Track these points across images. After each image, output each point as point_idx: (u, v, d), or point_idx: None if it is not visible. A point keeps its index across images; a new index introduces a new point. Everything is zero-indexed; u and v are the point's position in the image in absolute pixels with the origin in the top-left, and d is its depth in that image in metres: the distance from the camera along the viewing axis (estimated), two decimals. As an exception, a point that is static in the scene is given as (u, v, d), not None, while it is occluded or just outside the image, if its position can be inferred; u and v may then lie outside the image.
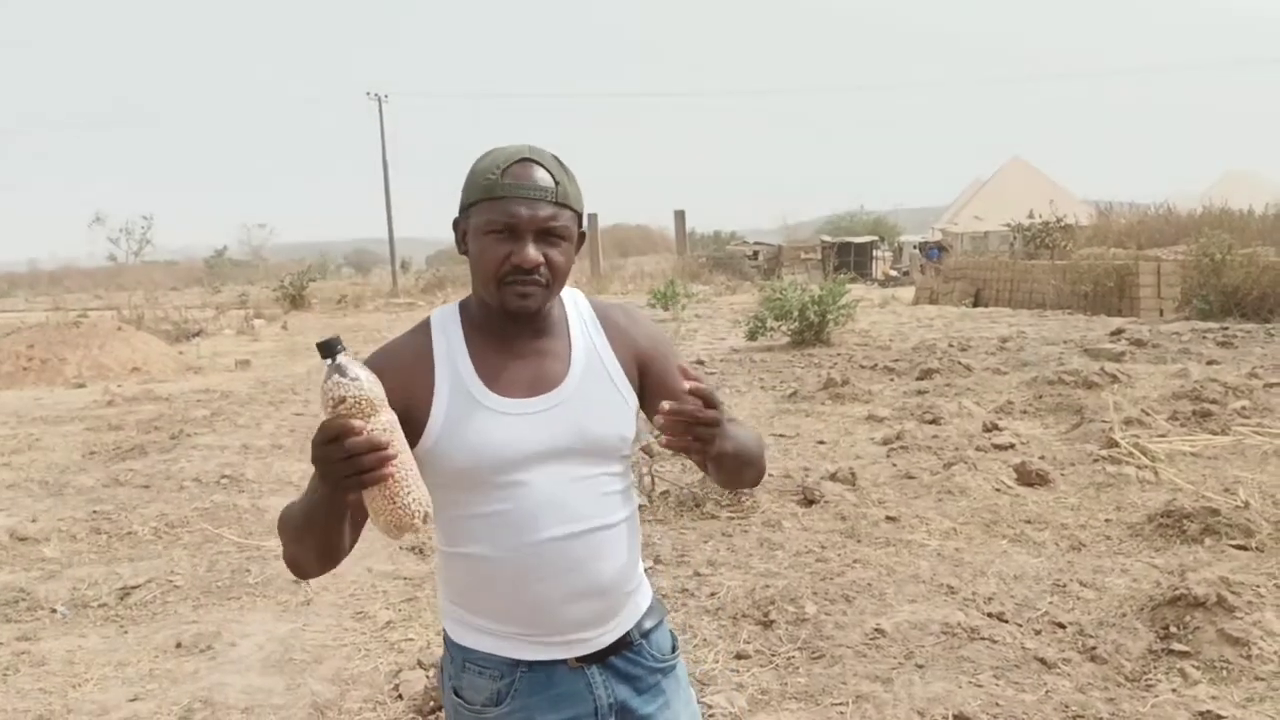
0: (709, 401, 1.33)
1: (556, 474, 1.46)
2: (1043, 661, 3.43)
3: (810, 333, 13.52)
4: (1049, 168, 50.82)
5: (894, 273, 33.41)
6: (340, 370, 1.19)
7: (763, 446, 1.62)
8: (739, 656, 3.60)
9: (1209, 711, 3.03)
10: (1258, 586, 3.83)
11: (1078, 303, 18.94)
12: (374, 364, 1.49)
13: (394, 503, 1.22)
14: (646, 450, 6.00)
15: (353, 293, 31.57)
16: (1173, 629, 3.52)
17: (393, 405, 1.43)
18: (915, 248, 36.37)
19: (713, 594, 4.20)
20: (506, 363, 1.49)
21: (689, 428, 1.32)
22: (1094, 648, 3.52)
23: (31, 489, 6.62)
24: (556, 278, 1.46)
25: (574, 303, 1.59)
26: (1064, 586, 4.15)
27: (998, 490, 5.65)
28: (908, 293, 24.73)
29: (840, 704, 3.20)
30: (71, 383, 12.61)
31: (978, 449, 6.56)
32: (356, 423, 1.18)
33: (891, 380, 10.13)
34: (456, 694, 1.53)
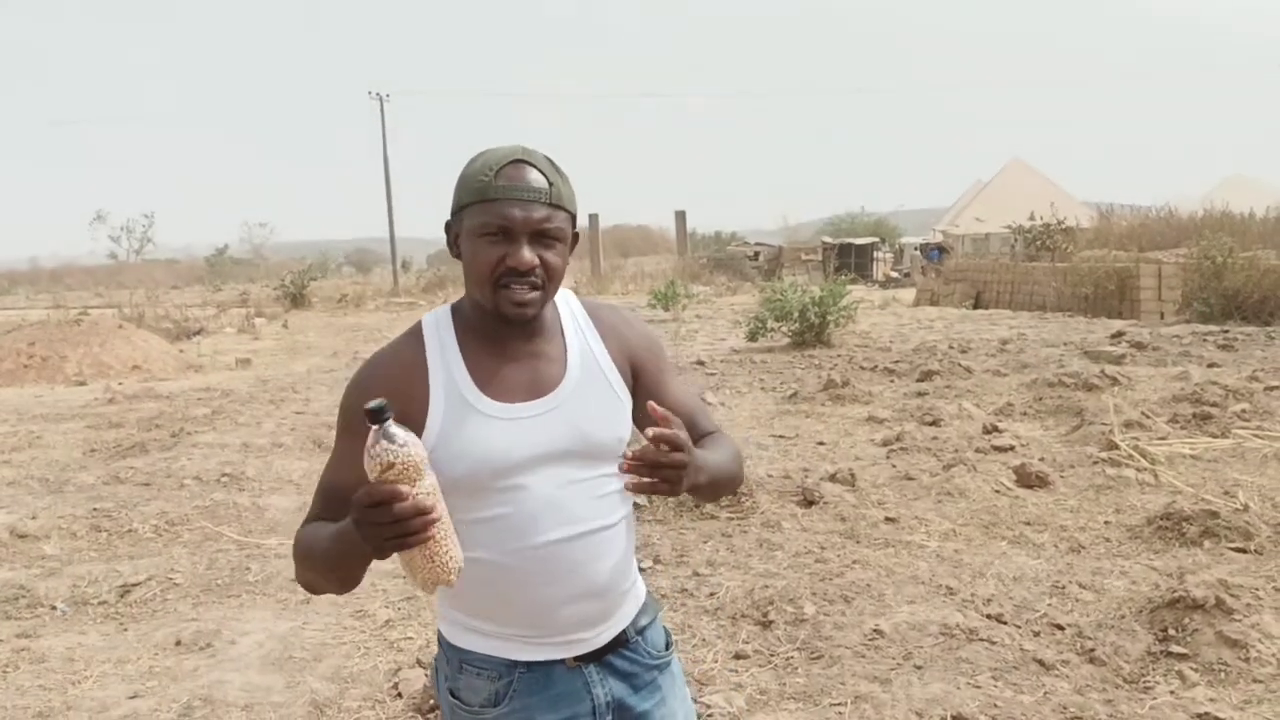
0: (675, 445, 1.32)
1: (555, 477, 1.46)
2: (1041, 663, 3.44)
3: (811, 334, 13.52)
4: (1050, 170, 50.83)
5: (895, 274, 33.40)
6: (388, 436, 1.20)
7: (740, 461, 1.62)
8: (738, 656, 3.60)
9: (1207, 714, 3.03)
10: (1256, 589, 3.84)
11: (1078, 305, 18.94)
12: (367, 372, 1.49)
13: (433, 561, 1.25)
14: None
15: (353, 292, 31.57)
16: (1171, 631, 3.52)
17: None
18: (916, 249, 36.37)
19: (712, 594, 4.21)
20: (501, 366, 1.48)
21: (654, 471, 1.32)
22: (1092, 649, 3.52)
23: (32, 486, 6.63)
24: (551, 279, 1.45)
25: (566, 303, 1.58)
26: (1063, 588, 4.15)
27: (997, 492, 5.65)
28: (908, 294, 24.73)
29: (839, 704, 3.20)
30: (72, 380, 12.63)
31: (977, 451, 6.56)
32: (404, 488, 1.20)
33: (892, 382, 10.14)
34: (453, 695, 1.53)
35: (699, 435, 1.62)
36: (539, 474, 1.45)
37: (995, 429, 7.16)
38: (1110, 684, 3.30)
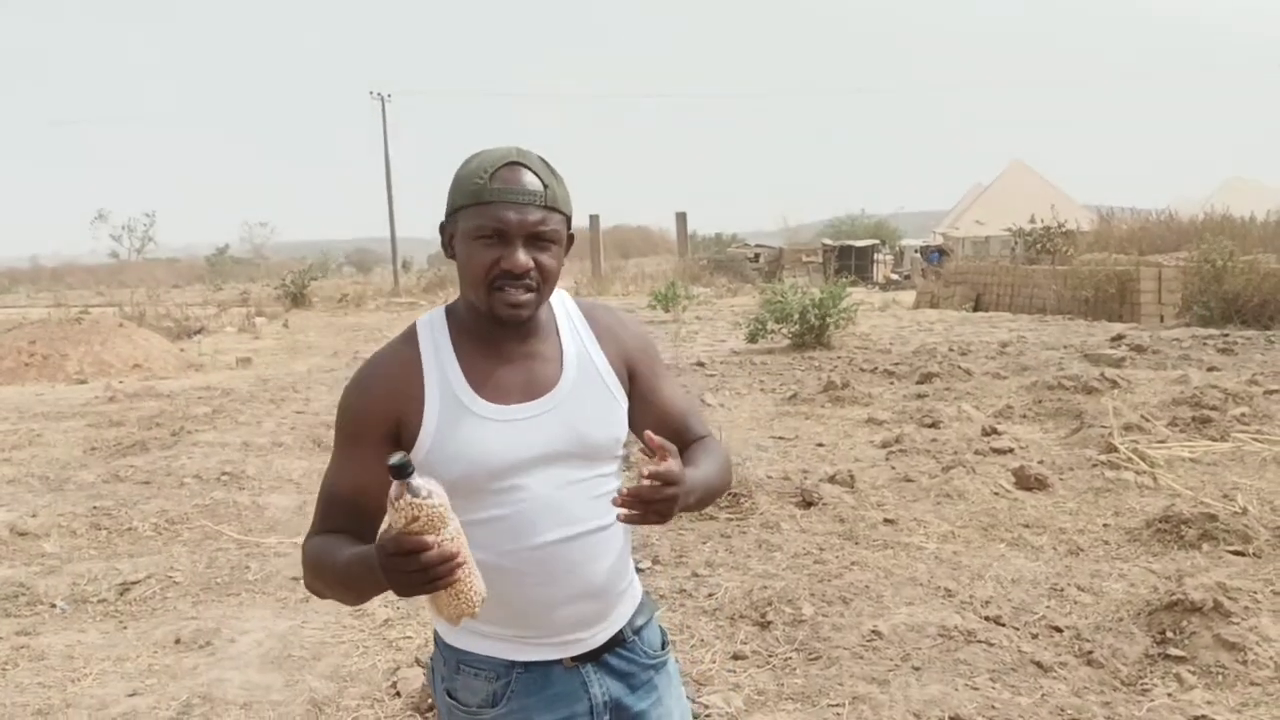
0: (669, 480, 1.33)
1: (552, 478, 1.46)
2: (1039, 665, 3.44)
3: (810, 335, 13.53)
4: (1051, 173, 50.82)
5: (895, 276, 33.41)
6: (412, 490, 1.22)
7: (729, 467, 1.63)
8: (736, 657, 3.61)
9: (1204, 716, 3.04)
10: (1254, 592, 3.84)
11: (1078, 308, 18.95)
12: (362, 378, 1.49)
13: (458, 599, 1.27)
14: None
15: (354, 291, 31.59)
16: (1169, 634, 3.53)
17: (383, 417, 1.44)
18: (916, 251, 36.38)
19: (710, 595, 4.21)
20: (497, 368, 1.48)
21: (647, 506, 1.33)
22: (1090, 652, 3.52)
23: (32, 484, 6.64)
24: (547, 282, 1.45)
25: (562, 304, 1.58)
26: (1061, 590, 4.16)
27: (996, 494, 5.66)
28: (908, 296, 24.74)
29: (836, 705, 3.21)
30: (73, 379, 12.64)
31: (977, 453, 6.56)
32: (429, 538, 1.22)
33: (891, 383, 10.15)
34: (450, 695, 1.53)
35: (691, 439, 1.63)
36: (535, 475, 1.45)
37: (994, 431, 7.17)
38: (1108, 686, 3.31)
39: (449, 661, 1.53)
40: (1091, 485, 5.76)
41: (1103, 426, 6.98)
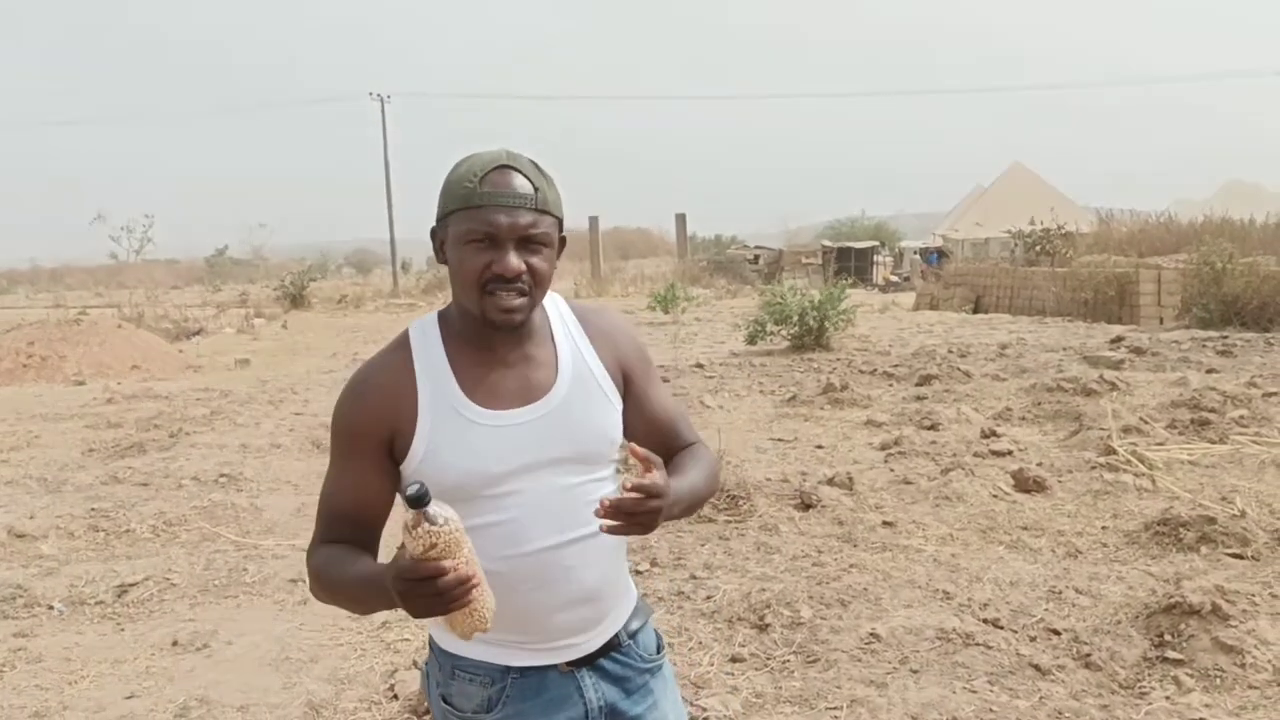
0: (653, 493, 1.33)
1: (547, 483, 1.45)
2: (1037, 668, 3.44)
3: (810, 337, 13.54)
4: (1050, 175, 50.88)
5: (894, 278, 33.44)
6: (429, 518, 1.22)
7: (716, 476, 1.63)
8: (734, 660, 3.60)
9: None
10: (1253, 595, 3.84)
11: (1078, 310, 18.97)
12: (354, 388, 1.49)
13: (472, 616, 1.28)
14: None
15: (353, 293, 31.61)
16: (1167, 637, 3.52)
17: (377, 427, 1.44)
18: (916, 253, 36.42)
19: (709, 597, 4.21)
20: (490, 373, 1.47)
21: (630, 517, 1.33)
22: (1089, 655, 3.52)
23: (30, 486, 6.63)
24: (539, 285, 1.45)
25: (555, 308, 1.57)
26: (1060, 593, 4.15)
27: (995, 496, 5.65)
28: (908, 298, 24.75)
29: (834, 708, 3.20)
30: (71, 380, 12.63)
31: (976, 455, 6.56)
32: (446, 563, 1.22)
33: (890, 386, 10.14)
34: (445, 701, 1.52)
35: (680, 446, 1.63)
36: (530, 480, 1.44)
37: (993, 434, 7.17)
38: (1106, 689, 3.30)
39: (444, 667, 1.53)
40: (1090, 488, 5.76)
41: (1101, 429, 6.98)
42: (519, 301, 1.42)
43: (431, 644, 1.57)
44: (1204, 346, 12.57)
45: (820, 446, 7.27)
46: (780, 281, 21.61)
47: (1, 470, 7.16)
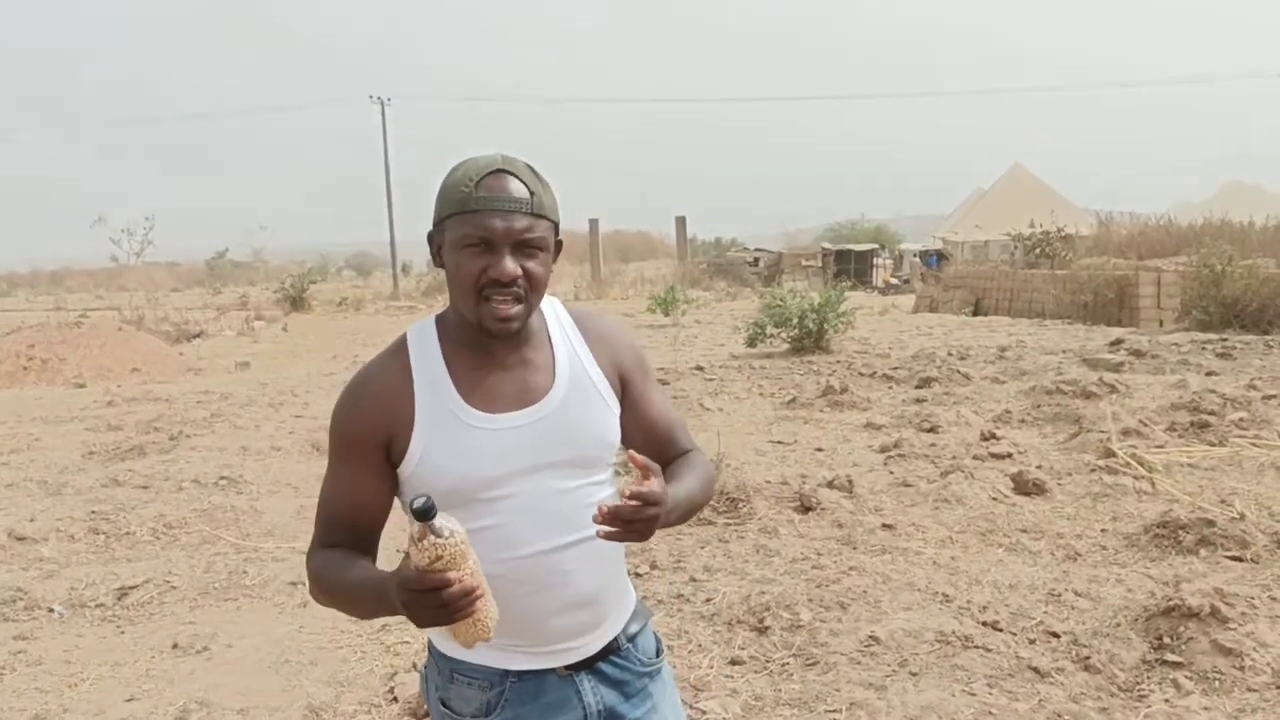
0: (650, 501, 1.33)
1: (544, 487, 1.45)
2: (1036, 671, 3.44)
3: (810, 340, 13.55)
4: (1050, 177, 50.89)
5: (894, 281, 33.47)
6: (435, 531, 1.23)
7: (712, 482, 1.63)
8: (733, 662, 3.61)
9: (1201, 722, 3.04)
10: (1252, 598, 3.84)
11: (1077, 312, 18.98)
12: (352, 393, 1.49)
13: (475, 625, 1.29)
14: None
15: (353, 295, 31.61)
16: (1166, 639, 3.53)
17: (375, 431, 1.44)
18: (915, 256, 36.43)
19: (708, 599, 4.21)
20: (487, 377, 1.47)
21: (627, 525, 1.33)
22: (1088, 657, 3.52)
23: (30, 488, 6.63)
24: (535, 289, 1.45)
25: (553, 311, 1.57)
26: (1059, 596, 4.15)
27: (994, 499, 5.66)
28: (908, 301, 24.77)
29: (834, 711, 3.20)
30: (71, 382, 12.63)
31: (975, 458, 6.56)
32: (452, 575, 1.23)
33: (890, 388, 10.14)
34: (444, 705, 1.53)
35: (676, 453, 1.63)
36: (527, 484, 1.45)
37: (993, 436, 7.17)
38: (1105, 692, 3.30)
39: (443, 670, 1.53)
40: (1089, 490, 5.76)
41: (1101, 431, 6.98)
42: (515, 309, 1.43)
43: (430, 647, 1.57)
44: (1203, 349, 12.57)
45: (820, 449, 7.28)
46: (780, 284, 21.63)
47: (2, 473, 7.16)
